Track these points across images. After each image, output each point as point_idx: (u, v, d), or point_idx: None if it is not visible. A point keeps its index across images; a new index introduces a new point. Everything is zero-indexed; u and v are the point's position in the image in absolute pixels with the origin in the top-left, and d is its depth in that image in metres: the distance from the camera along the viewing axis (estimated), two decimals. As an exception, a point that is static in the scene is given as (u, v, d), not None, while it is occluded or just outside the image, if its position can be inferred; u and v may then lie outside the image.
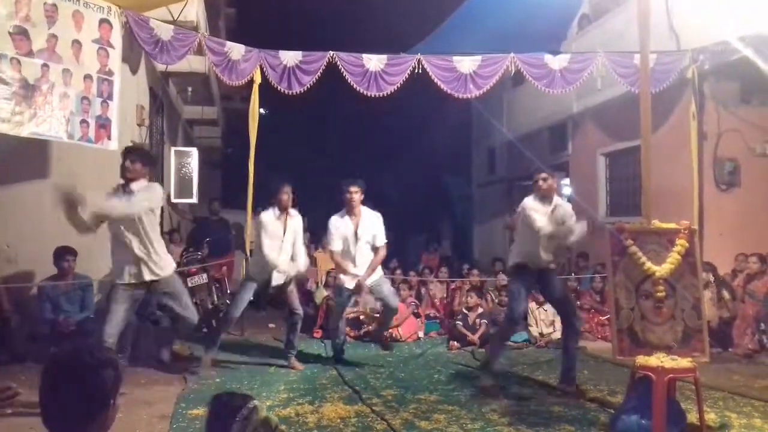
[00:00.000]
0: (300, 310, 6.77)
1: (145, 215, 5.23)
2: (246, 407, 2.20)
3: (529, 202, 5.91)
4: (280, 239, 6.46)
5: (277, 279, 6.53)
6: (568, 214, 5.95)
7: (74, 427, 1.80)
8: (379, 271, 6.79)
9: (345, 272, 6.60)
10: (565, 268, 11.37)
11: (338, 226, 6.59)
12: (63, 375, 1.79)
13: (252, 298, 6.85)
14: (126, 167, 5.28)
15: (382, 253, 6.71)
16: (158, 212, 5.53)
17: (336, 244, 6.59)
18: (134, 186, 5.27)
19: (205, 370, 6.33)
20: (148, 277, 5.33)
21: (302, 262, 6.68)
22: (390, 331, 8.22)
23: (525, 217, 5.84)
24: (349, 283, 6.58)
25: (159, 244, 5.42)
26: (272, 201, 6.53)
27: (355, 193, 6.55)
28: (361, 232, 6.57)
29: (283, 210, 6.51)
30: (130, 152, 5.45)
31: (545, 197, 5.91)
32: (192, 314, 5.79)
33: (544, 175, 5.98)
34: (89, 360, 1.80)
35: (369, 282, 6.56)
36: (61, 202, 4.90)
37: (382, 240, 6.65)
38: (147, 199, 5.26)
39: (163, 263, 5.44)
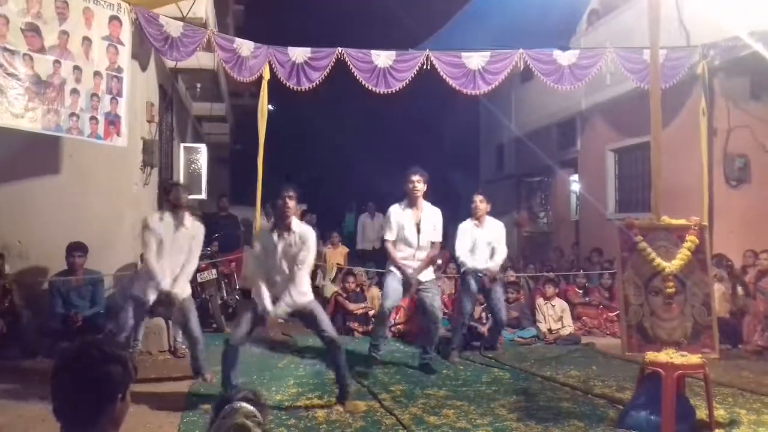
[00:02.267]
0: (334, 334, 5.29)
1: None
2: (230, 405, 2.17)
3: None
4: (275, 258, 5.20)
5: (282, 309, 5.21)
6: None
7: (83, 420, 1.81)
8: (431, 274, 6.53)
9: (396, 265, 6.31)
10: (574, 264, 11.37)
11: (398, 215, 6.38)
12: (72, 369, 1.81)
13: None
14: (179, 198, 5.83)
15: (437, 249, 6.59)
16: None
17: (391, 234, 6.36)
18: (187, 221, 5.80)
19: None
20: (167, 287, 5.67)
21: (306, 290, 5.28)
22: (398, 326, 8.23)
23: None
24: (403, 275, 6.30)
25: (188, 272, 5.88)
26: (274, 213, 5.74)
27: (419, 182, 6.32)
28: (423, 225, 6.35)
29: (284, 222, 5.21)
30: (178, 187, 6.02)
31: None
32: (198, 335, 5.93)
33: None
34: (97, 354, 1.82)
35: (423, 278, 6.33)
36: None
37: (440, 236, 6.51)
38: (198, 248, 5.96)
39: (182, 288, 5.79)
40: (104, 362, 1.82)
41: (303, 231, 5.16)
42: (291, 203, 5.09)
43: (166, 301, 5.70)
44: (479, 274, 6.97)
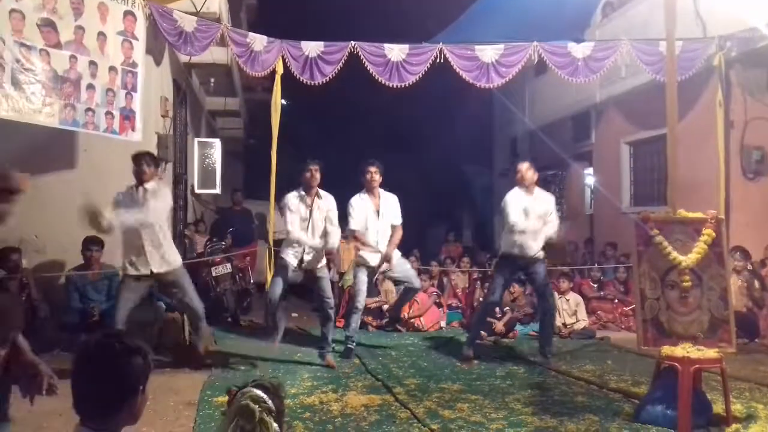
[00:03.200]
0: (332, 299, 6.50)
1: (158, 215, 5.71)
2: (240, 391, 2.18)
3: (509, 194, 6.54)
4: (306, 220, 6.23)
5: (309, 262, 6.22)
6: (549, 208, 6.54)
7: (105, 413, 1.83)
8: (398, 253, 6.88)
9: (367, 249, 6.69)
10: (587, 258, 11.31)
11: (360, 204, 6.75)
12: (93, 362, 1.83)
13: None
14: (143, 171, 5.73)
15: (400, 232, 6.84)
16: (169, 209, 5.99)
17: (357, 223, 6.69)
18: (148, 186, 5.75)
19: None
20: (156, 269, 5.71)
21: (334, 240, 6.40)
22: (413, 320, 8.26)
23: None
24: (373, 260, 6.70)
25: (168, 239, 5.85)
26: (299, 181, 6.42)
27: (375, 173, 6.74)
28: (382, 210, 6.76)
29: (310, 190, 6.30)
30: (142, 157, 5.82)
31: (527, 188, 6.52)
32: (198, 305, 6.03)
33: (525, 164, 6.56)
34: (119, 347, 1.83)
35: (393, 260, 6.72)
36: (84, 216, 5.41)
37: (399, 218, 6.84)
38: (163, 206, 5.84)
39: (170, 257, 5.81)
40: (126, 355, 1.84)
41: (327, 197, 6.36)
42: (317, 174, 6.30)
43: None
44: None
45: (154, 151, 7.81)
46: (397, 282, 7.30)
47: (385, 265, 6.76)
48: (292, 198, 6.28)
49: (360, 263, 6.82)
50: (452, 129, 22.73)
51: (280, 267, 6.37)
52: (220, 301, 8.39)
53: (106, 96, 6.55)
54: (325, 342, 6.40)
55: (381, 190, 6.84)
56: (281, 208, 6.53)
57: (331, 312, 6.43)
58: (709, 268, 4.79)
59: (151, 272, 5.70)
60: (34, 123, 6.04)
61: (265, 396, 2.20)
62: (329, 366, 6.22)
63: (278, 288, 6.28)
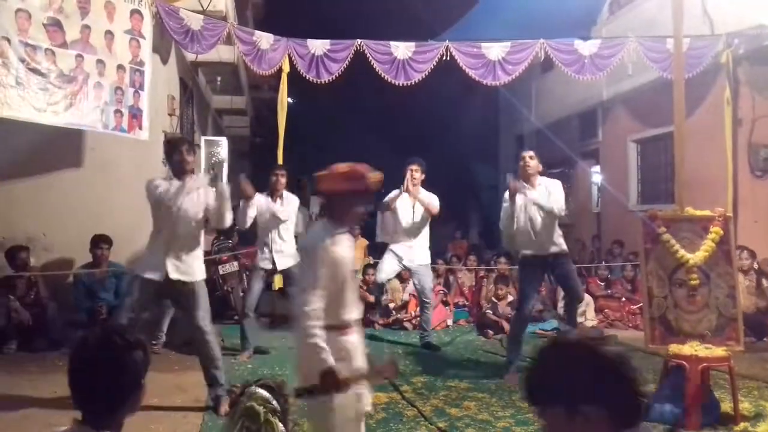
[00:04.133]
0: None
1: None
2: (248, 390, 2.19)
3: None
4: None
5: (282, 263, 6.56)
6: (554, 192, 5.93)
7: (108, 408, 1.83)
8: (427, 260, 7.20)
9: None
10: (595, 256, 11.28)
11: (398, 198, 7.00)
12: (95, 358, 1.82)
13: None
14: (186, 160, 4.73)
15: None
16: None
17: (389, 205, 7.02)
18: (191, 180, 4.75)
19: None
20: (175, 276, 4.76)
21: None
22: (419, 318, 8.24)
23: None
24: (401, 251, 7.06)
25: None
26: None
27: (416, 171, 6.95)
28: (417, 208, 6.99)
29: (275, 193, 6.62)
30: (182, 142, 4.94)
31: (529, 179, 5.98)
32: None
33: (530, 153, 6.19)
34: (121, 342, 1.84)
35: (417, 263, 7.03)
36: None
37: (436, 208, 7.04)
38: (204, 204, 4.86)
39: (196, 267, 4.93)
40: (127, 349, 1.84)
41: (291, 199, 6.71)
42: (282, 179, 6.63)
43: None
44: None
45: (161, 150, 7.85)
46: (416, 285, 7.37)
47: (410, 262, 7.05)
48: (257, 199, 6.55)
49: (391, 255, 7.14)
50: (458, 127, 22.69)
51: (254, 273, 6.67)
52: (227, 299, 8.41)
53: (115, 94, 6.57)
54: None
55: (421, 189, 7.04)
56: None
57: None
58: (716, 266, 4.77)
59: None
60: (39, 122, 6.06)
61: (269, 396, 2.20)
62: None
63: (254, 296, 6.60)
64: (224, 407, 4.62)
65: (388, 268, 7.23)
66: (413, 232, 7.04)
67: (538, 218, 5.77)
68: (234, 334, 7.51)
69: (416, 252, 7.06)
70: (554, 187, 5.93)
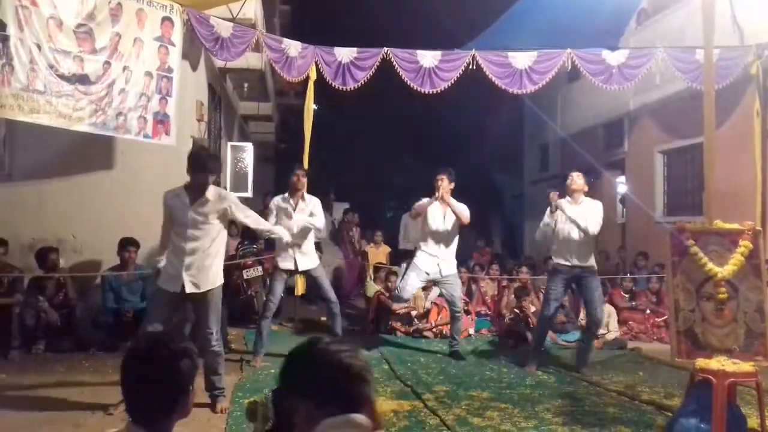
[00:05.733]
0: (333, 297, 6.79)
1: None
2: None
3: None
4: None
5: (303, 264, 6.59)
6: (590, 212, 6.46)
7: (160, 414, 1.90)
8: (454, 269, 7.13)
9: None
10: (619, 268, 11.17)
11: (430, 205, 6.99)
12: (145, 368, 1.89)
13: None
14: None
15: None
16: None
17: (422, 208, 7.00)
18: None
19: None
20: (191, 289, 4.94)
21: (319, 223, 6.75)
22: (440, 327, 8.24)
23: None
24: (428, 266, 6.95)
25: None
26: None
27: (442, 181, 6.91)
28: (448, 216, 6.96)
29: (295, 193, 6.65)
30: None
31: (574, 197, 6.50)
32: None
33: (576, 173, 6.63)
34: (168, 353, 1.91)
35: (445, 273, 6.96)
36: None
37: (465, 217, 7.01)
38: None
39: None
40: (175, 358, 1.91)
41: (312, 200, 6.71)
42: (303, 179, 6.67)
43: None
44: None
45: (185, 155, 7.93)
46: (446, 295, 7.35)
47: (436, 274, 6.98)
48: (276, 201, 6.71)
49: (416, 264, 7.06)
50: (483, 136, 22.64)
51: (276, 274, 6.68)
52: (250, 303, 8.48)
53: (139, 101, 6.64)
54: (333, 336, 6.51)
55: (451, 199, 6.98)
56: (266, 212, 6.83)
57: (334, 307, 6.74)
58: (745, 280, 4.70)
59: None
60: (64, 128, 6.16)
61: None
62: None
63: (276, 298, 6.67)
64: (221, 405, 4.96)
65: (411, 287, 7.16)
66: (444, 239, 6.97)
67: (576, 233, 6.34)
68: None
69: (444, 265, 6.98)
70: (596, 208, 6.51)
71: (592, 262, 6.47)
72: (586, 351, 6.66)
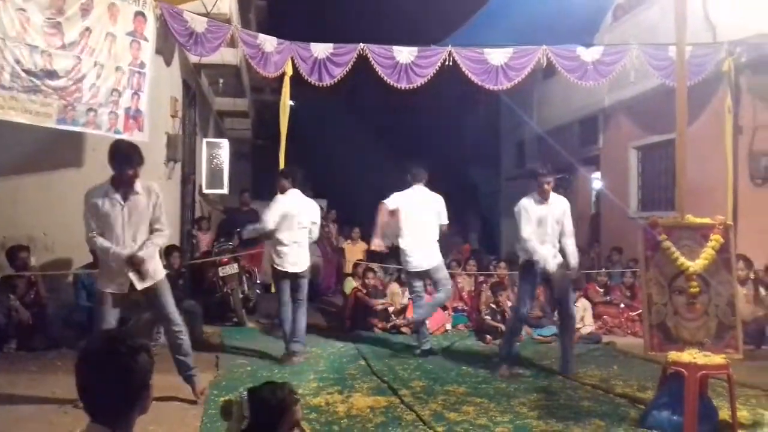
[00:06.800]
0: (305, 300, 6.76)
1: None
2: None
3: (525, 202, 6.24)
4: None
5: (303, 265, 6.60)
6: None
7: (119, 411, 1.88)
8: (439, 257, 7.12)
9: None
10: (594, 262, 11.29)
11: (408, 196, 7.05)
12: (102, 365, 1.87)
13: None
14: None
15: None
16: None
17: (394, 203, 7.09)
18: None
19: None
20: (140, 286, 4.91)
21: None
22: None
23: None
24: (419, 261, 6.96)
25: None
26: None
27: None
28: (428, 209, 7.04)
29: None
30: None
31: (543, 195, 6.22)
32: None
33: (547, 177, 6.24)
34: (125, 348, 1.88)
35: (434, 263, 6.97)
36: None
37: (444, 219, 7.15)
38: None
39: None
40: (132, 354, 1.88)
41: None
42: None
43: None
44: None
45: (164, 151, 7.84)
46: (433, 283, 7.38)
47: (428, 265, 6.97)
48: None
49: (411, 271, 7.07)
50: (459, 132, 22.71)
51: (281, 275, 6.56)
52: (226, 301, 8.42)
53: (110, 96, 6.53)
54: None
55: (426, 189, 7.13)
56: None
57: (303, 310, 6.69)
58: (716, 274, 4.77)
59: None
60: (30, 123, 6.03)
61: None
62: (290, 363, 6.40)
63: (287, 296, 6.56)
64: (199, 387, 5.09)
65: (419, 294, 7.15)
66: (426, 231, 7.02)
67: (548, 234, 6.15)
68: (234, 336, 7.54)
69: (434, 254, 7.02)
70: (565, 206, 6.32)
71: (560, 257, 6.25)
72: (569, 352, 6.32)
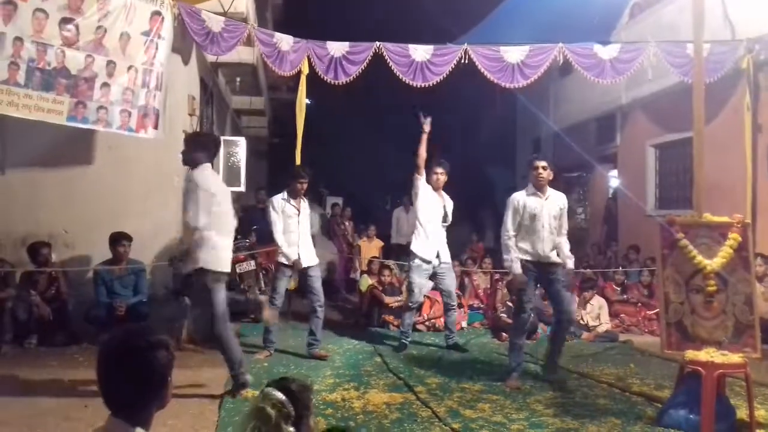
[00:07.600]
0: (322, 300, 6.75)
1: None
2: (265, 390, 2.25)
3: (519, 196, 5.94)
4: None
5: (306, 261, 6.60)
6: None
7: (138, 406, 1.92)
8: (449, 261, 7.26)
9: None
10: (612, 261, 11.24)
11: (427, 194, 7.16)
12: (122, 361, 1.90)
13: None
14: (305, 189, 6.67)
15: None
16: None
17: (423, 204, 7.16)
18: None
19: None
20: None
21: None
22: (433, 320, 8.27)
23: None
24: (426, 253, 7.04)
25: None
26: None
27: (441, 175, 7.18)
28: (445, 209, 7.21)
29: (297, 196, 6.70)
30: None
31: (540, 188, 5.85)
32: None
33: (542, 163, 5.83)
34: (144, 344, 1.92)
35: (443, 259, 7.08)
36: None
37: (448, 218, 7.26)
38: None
39: None
40: (152, 350, 1.92)
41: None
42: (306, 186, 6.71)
43: None
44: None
45: (180, 149, 7.88)
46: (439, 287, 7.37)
47: (435, 260, 7.05)
48: (280, 203, 6.65)
49: (419, 258, 7.06)
50: (475, 130, 22.64)
51: (279, 274, 6.63)
52: (244, 298, 8.47)
53: (123, 95, 6.61)
54: (313, 337, 6.67)
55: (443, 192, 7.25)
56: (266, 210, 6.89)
57: (320, 311, 6.70)
58: (734, 273, 4.74)
59: None
60: (41, 120, 6.13)
61: (285, 400, 2.20)
62: (320, 358, 6.50)
63: (281, 296, 6.64)
64: (244, 393, 5.04)
65: (419, 287, 7.11)
66: (439, 226, 7.17)
67: (544, 231, 5.74)
68: (250, 333, 7.59)
69: (442, 249, 7.11)
70: (563, 202, 5.90)
71: (555, 257, 5.85)
72: (556, 354, 5.99)
